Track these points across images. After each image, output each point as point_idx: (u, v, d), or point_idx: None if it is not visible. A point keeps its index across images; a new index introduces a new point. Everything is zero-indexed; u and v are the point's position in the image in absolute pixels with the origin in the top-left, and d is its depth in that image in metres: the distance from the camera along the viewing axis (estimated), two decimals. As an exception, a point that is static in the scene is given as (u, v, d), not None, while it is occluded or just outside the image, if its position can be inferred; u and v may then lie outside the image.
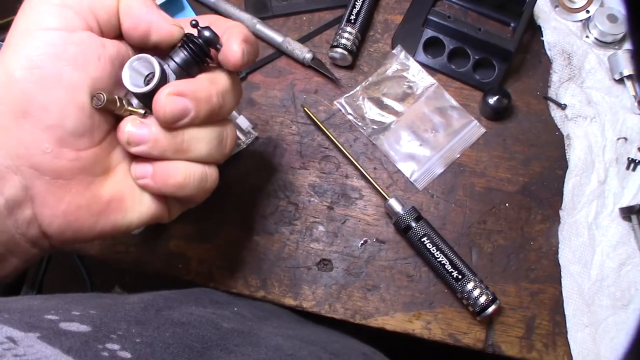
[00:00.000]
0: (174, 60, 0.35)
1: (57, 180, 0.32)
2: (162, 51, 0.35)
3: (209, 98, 0.34)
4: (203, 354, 0.30)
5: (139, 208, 0.36)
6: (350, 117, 0.56)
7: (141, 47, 0.35)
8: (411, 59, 0.57)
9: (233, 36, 0.35)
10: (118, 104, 0.33)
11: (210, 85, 0.35)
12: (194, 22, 0.34)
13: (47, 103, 0.30)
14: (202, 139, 0.35)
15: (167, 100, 0.33)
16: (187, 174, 0.35)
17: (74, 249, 0.53)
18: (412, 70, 0.57)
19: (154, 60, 0.33)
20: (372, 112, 0.56)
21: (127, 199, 0.35)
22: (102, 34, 0.33)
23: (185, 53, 0.35)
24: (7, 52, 0.31)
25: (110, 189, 0.34)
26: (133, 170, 0.35)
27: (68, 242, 0.34)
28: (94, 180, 0.34)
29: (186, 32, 0.35)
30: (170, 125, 0.34)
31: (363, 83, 0.57)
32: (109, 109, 0.33)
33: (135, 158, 0.36)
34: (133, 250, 0.53)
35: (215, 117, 0.36)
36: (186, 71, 0.35)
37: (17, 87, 0.30)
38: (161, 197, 0.37)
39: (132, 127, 0.33)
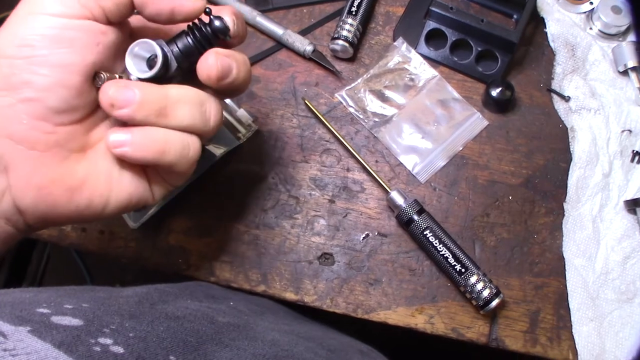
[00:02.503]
0: (177, 46, 0.35)
1: (32, 151, 0.31)
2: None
3: (245, 61, 0.36)
4: (198, 348, 0.30)
5: (117, 188, 0.35)
6: (351, 109, 0.56)
7: (168, 24, 0.36)
8: (413, 51, 0.57)
9: (222, 9, 0.35)
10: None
11: (240, 54, 0.36)
12: (207, 10, 0.34)
13: (30, 78, 0.31)
14: (184, 105, 0.34)
15: (217, 59, 0.34)
16: (167, 140, 0.34)
17: (71, 243, 0.52)
18: (413, 63, 0.57)
19: (155, 46, 0.34)
20: (373, 104, 0.56)
21: (104, 177, 0.34)
22: (108, 21, 0.33)
23: (190, 40, 0.35)
24: (4, 31, 0.31)
25: (87, 167, 0.34)
26: (108, 138, 0.33)
27: (43, 218, 0.33)
28: (70, 155, 0.33)
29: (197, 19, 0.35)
30: (216, 84, 0.35)
31: (364, 75, 0.57)
32: None
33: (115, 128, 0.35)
34: (132, 245, 0.52)
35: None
36: (188, 58, 0.35)
37: (4, 62, 0.30)
38: (142, 175, 0.36)
39: (116, 89, 0.33)
